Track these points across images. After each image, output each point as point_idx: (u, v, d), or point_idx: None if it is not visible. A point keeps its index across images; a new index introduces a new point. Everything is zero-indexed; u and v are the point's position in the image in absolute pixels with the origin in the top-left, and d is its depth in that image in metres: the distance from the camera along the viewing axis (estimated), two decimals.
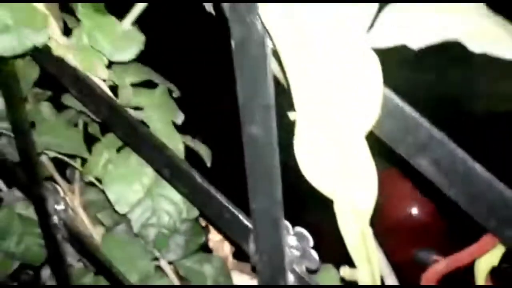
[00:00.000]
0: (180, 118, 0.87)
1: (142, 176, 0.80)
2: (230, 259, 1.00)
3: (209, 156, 0.94)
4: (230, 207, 0.63)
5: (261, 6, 0.46)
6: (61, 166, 1.00)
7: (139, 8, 0.70)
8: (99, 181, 0.88)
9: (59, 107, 0.97)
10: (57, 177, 1.00)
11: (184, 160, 0.73)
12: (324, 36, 0.44)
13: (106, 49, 0.64)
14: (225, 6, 0.50)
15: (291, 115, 0.46)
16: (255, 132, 0.53)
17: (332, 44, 0.44)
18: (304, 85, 0.45)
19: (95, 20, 0.67)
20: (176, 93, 0.91)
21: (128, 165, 0.79)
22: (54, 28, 0.67)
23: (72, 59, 0.67)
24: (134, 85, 0.81)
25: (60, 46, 0.66)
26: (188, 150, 0.85)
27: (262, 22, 0.47)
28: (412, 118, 0.46)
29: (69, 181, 1.02)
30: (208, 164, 0.94)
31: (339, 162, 0.46)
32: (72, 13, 0.84)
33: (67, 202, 0.94)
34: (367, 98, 0.44)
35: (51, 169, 0.98)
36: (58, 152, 0.91)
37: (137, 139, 0.69)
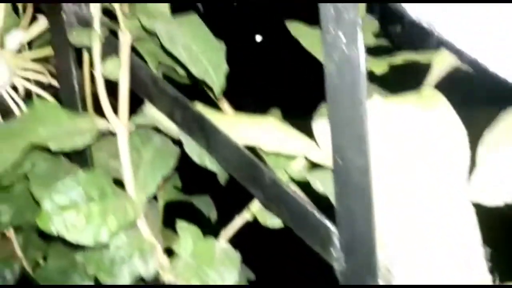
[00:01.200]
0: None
1: None
2: None
3: None
4: None
5: None
6: None
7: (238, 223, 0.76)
8: None
9: None
10: None
11: None
12: None
13: (209, 276, 0.68)
14: None
15: None
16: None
17: None
18: None
19: (194, 238, 0.72)
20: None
21: None
22: (158, 251, 0.72)
23: (173, 280, 0.72)
24: None
25: (166, 271, 0.71)
26: None
27: None
28: None
29: None
30: None
31: None
32: None
33: None
34: None
35: None
36: None
37: None
